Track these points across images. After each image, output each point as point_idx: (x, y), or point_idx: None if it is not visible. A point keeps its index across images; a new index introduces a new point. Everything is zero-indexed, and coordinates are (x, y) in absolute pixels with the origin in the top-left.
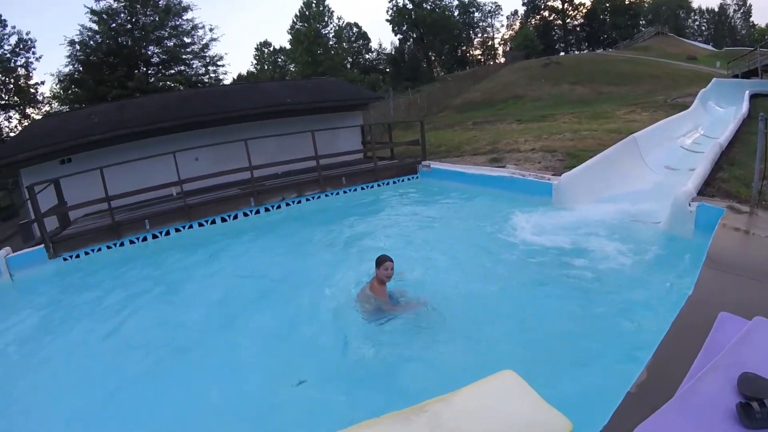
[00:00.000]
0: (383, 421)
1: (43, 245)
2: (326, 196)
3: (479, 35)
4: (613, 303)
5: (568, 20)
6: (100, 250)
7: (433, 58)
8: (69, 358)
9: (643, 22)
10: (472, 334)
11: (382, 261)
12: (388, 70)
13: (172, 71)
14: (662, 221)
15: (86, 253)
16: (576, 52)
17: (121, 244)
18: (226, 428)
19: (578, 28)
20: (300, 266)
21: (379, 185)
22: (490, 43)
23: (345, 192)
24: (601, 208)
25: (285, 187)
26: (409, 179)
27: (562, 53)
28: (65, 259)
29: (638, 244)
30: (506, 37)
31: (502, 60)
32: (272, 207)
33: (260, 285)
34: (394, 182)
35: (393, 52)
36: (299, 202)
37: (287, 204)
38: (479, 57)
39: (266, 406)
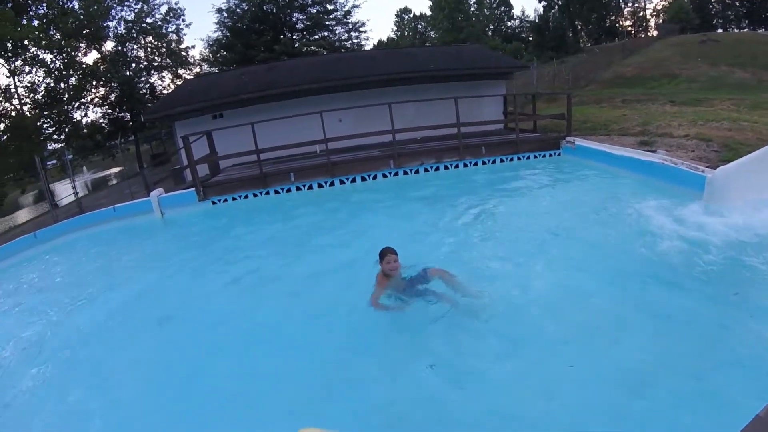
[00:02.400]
0: None
1: (194, 188)
2: (464, 165)
3: (629, 4)
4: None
5: None
6: (246, 197)
7: (579, 27)
8: (202, 291)
9: None
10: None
11: (384, 254)
12: (530, 38)
13: (316, 37)
14: None
15: (234, 199)
16: (735, 30)
17: (267, 193)
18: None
19: (738, 3)
20: (428, 234)
21: (519, 158)
22: (641, 13)
23: (484, 162)
24: (763, 213)
25: (424, 152)
26: (550, 155)
27: (720, 30)
28: (214, 203)
29: None
30: (658, 8)
31: (654, 33)
32: (410, 170)
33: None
34: (535, 156)
35: (536, 20)
36: (437, 168)
37: (425, 169)
38: (629, 28)
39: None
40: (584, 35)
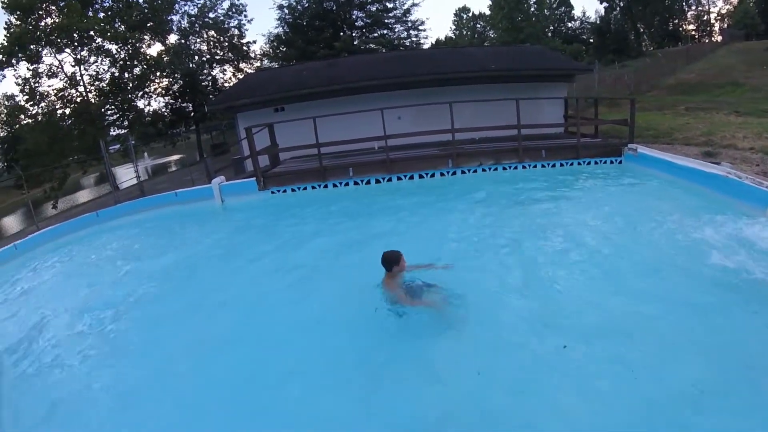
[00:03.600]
0: None
1: (254, 178)
2: (523, 167)
3: (693, 8)
4: None
5: None
6: (305, 189)
7: (642, 30)
8: (256, 276)
9: None
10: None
11: (397, 257)
12: (591, 40)
13: (375, 34)
14: None
15: (292, 190)
16: None
17: (325, 186)
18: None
19: None
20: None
21: (579, 163)
22: (705, 17)
23: (543, 166)
24: None
25: (483, 153)
26: (611, 162)
27: None
28: (273, 192)
29: None
30: (723, 12)
31: (719, 38)
32: (468, 170)
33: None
34: (596, 162)
35: (597, 21)
36: (495, 169)
37: (483, 170)
38: (693, 32)
39: None
40: (646, 38)
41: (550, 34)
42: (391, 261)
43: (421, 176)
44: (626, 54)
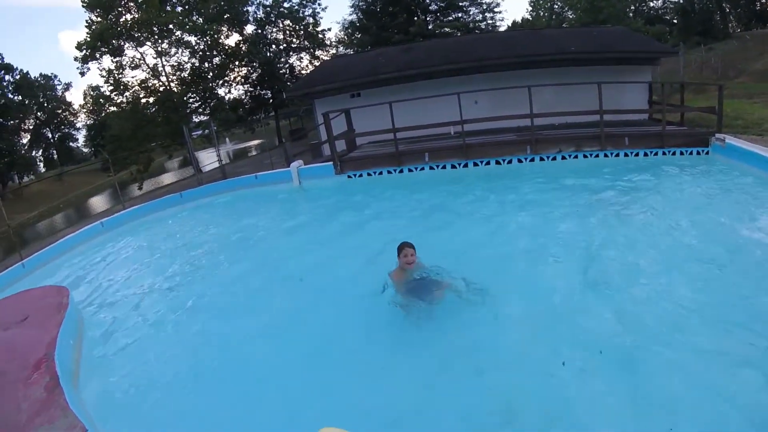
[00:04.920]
0: None
1: (331, 162)
2: (605, 155)
3: None
4: None
5: None
6: (380, 173)
7: (728, 9)
8: (331, 255)
9: None
10: None
11: (401, 248)
12: (675, 21)
13: (450, 18)
14: None
15: (368, 174)
16: None
17: (400, 171)
18: None
19: None
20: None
21: (663, 153)
22: None
23: (626, 154)
24: None
25: (563, 139)
26: (698, 152)
27: None
28: (349, 177)
29: None
30: None
31: None
32: (547, 157)
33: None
34: (681, 153)
35: (681, 1)
36: (576, 156)
37: (563, 157)
38: None
39: None
40: (732, 19)
41: (631, 15)
42: (398, 250)
43: (497, 162)
44: (713, 36)
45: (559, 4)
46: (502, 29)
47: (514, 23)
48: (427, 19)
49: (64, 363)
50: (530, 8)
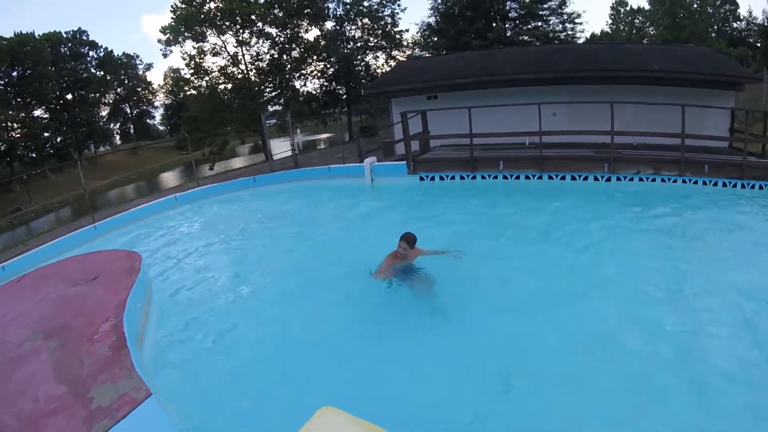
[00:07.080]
0: None
1: (405, 162)
2: (683, 181)
3: None
4: None
5: None
6: (453, 178)
7: None
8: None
9: None
10: None
11: (400, 238)
12: (758, 44)
13: (529, 26)
14: None
15: (441, 178)
16: None
17: (473, 177)
18: None
19: None
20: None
21: (743, 185)
22: None
23: (705, 183)
24: None
25: (642, 160)
26: None
27: None
28: (422, 178)
29: None
30: None
31: None
32: (623, 177)
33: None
34: (761, 187)
35: (765, 23)
36: (653, 180)
37: (640, 179)
38: None
39: None
40: None
41: (713, 35)
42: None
43: (573, 177)
44: None
45: (640, 18)
46: (580, 41)
47: (593, 35)
48: (506, 26)
49: (132, 326)
50: (610, 21)
